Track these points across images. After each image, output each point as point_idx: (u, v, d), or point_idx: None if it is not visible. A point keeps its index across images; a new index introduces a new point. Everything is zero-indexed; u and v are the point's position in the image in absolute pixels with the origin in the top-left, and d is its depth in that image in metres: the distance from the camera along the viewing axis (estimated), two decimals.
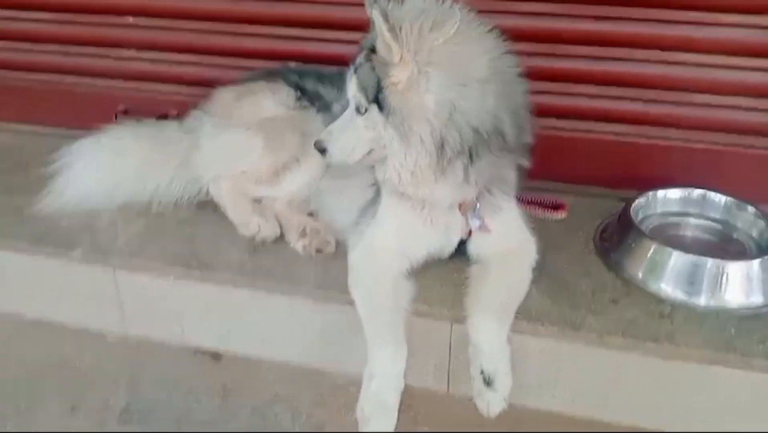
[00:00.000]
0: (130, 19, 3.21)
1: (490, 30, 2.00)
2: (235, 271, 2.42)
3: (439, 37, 1.91)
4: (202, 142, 2.73)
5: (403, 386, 2.03)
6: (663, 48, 2.60)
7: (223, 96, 2.79)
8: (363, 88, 2.01)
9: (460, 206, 2.17)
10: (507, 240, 2.25)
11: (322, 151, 2.16)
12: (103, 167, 2.76)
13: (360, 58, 2.03)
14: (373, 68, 1.97)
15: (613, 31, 2.63)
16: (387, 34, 1.87)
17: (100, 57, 3.31)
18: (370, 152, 2.09)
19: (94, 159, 2.78)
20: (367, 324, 2.12)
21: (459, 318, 2.16)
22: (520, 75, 2.04)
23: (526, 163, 2.17)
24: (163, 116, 3.21)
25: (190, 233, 2.64)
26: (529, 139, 2.12)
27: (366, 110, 2.03)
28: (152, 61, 3.27)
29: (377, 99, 1.97)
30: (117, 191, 2.76)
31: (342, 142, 2.12)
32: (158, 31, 3.20)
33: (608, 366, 2.13)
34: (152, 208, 2.75)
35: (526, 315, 2.15)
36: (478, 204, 2.15)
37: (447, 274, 2.34)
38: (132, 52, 3.28)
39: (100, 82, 3.36)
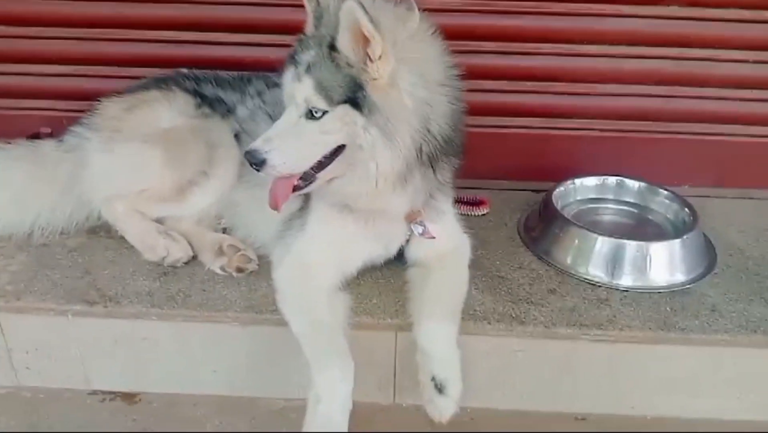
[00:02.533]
0: None
1: (436, 29, 1.93)
2: (144, 301, 2.16)
3: (403, 32, 1.83)
4: (91, 160, 2.43)
5: (351, 406, 1.87)
6: (569, 41, 2.67)
7: (111, 108, 2.50)
8: (324, 89, 1.82)
9: (407, 215, 2.07)
10: (445, 242, 2.17)
11: (260, 163, 1.88)
12: None
13: (310, 57, 1.84)
14: (339, 66, 1.81)
15: (521, 26, 2.67)
16: (369, 27, 1.72)
17: None
18: (320, 164, 1.91)
19: None
20: (306, 345, 1.94)
21: (404, 326, 2.07)
22: (461, 78, 1.98)
23: (460, 163, 2.12)
24: (35, 135, 2.84)
25: (85, 263, 2.34)
26: (464, 140, 2.07)
27: (323, 114, 1.84)
28: (17, 74, 2.89)
29: (352, 98, 1.81)
30: None
31: (289, 151, 1.88)
32: (19, 40, 2.83)
33: (556, 357, 2.12)
34: (34, 240, 2.43)
35: (471, 315, 2.10)
36: (422, 211, 2.07)
37: (384, 281, 2.25)
38: None
39: None
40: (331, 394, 1.84)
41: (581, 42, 2.66)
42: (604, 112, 2.78)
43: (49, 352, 2.21)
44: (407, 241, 2.16)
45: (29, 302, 2.16)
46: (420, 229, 2.08)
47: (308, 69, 1.83)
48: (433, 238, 2.09)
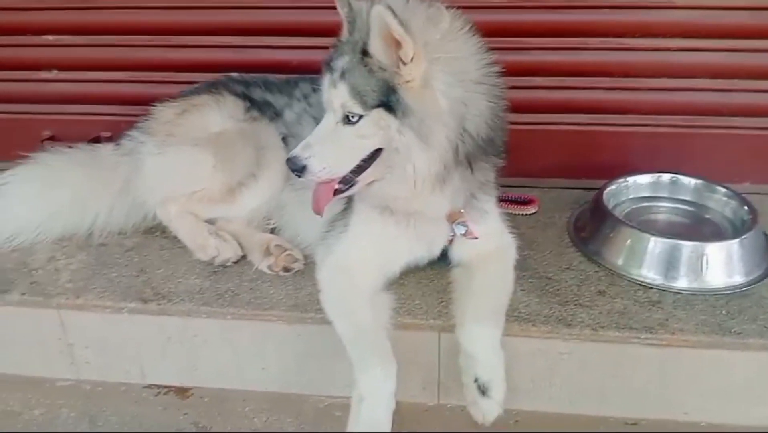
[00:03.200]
0: (50, 38, 2.96)
1: (471, 27, 1.92)
2: (196, 299, 2.22)
3: (436, 33, 1.83)
4: (145, 163, 2.52)
5: (394, 405, 1.87)
6: (618, 35, 2.60)
7: (164, 113, 2.59)
8: (358, 94, 1.83)
9: (448, 216, 2.06)
10: (489, 242, 2.15)
11: (300, 169, 1.90)
12: (35, 199, 2.51)
13: (344, 63, 1.85)
14: (372, 70, 1.82)
15: (568, 21, 2.62)
16: (400, 30, 1.73)
17: (18, 81, 3.04)
18: (359, 168, 1.92)
19: (24, 191, 2.53)
20: (349, 345, 1.96)
21: (446, 327, 2.06)
22: (500, 75, 1.95)
23: (503, 163, 2.09)
24: (96, 140, 3.00)
25: (140, 262, 2.43)
26: (506, 139, 2.05)
27: (359, 118, 1.85)
28: (77, 81, 3.04)
29: (386, 102, 1.82)
30: (52, 224, 2.53)
31: (328, 156, 1.89)
32: (81, 48, 2.98)
33: (604, 360, 2.06)
34: (94, 240, 2.53)
35: (515, 317, 2.07)
36: (463, 212, 2.05)
37: (427, 281, 2.24)
38: (54, 73, 3.03)
39: (21, 108, 3.09)
40: (375, 394, 1.85)
41: (632, 36, 2.59)
42: (657, 108, 2.69)
43: (107, 347, 2.31)
44: (450, 241, 2.15)
45: (88, 300, 2.26)
46: (462, 229, 2.06)
47: (342, 75, 1.85)
48: (476, 238, 2.07)
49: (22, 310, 2.28)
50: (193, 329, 2.23)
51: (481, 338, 1.92)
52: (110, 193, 2.55)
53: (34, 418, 2.22)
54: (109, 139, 2.92)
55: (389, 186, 1.96)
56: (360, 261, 2.10)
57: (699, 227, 2.48)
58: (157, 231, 2.57)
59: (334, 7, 2.62)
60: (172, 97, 2.64)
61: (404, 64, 1.78)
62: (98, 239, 2.53)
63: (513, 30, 2.60)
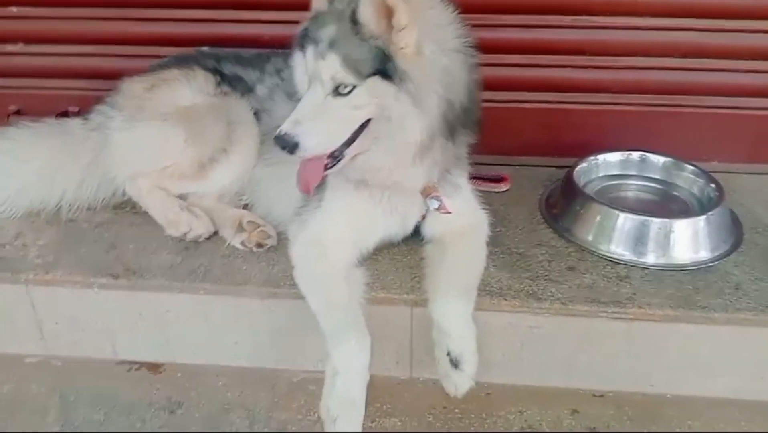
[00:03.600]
0: (14, 10, 2.87)
1: None
2: (167, 275, 2.21)
3: (420, 1, 1.84)
4: (114, 138, 2.48)
5: (368, 379, 1.90)
6: (590, 13, 2.60)
7: (133, 87, 2.54)
8: (352, 63, 1.79)
9: (423, 190, 2.06)
10: (462, 218, 2.16)
11: (293, 146, 1.83)
12: (2, 174, 2.46)
13: (332, 33, 1.81)
14: (364, 39, 1.79)
15: None
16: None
17: None
18: (347, 140, 1.90)
19: None
20: (323, 319, 1.97)
21: (419, 302, 2.07)
22: (474, 47, 1.96)
23: (476, 137, 2.10)
24: (63, 114, 2.92)
25: (110, 237, 2.40)
26: (480, 112, 2.06)
27: (352, 89, 1.82)
28: (43, 54, 2.96)
29: (382, 70, 1.79)
30: (20, 199, 2.49)
31: (320, 131, 1.85)
32: (48, 21, 2.89)
33: (573, 334, 2.09)
34: (63, 215, 2.49)
35: (487, 291, 2.09)
36: (437, 186, 2.06)
37: (400, 256, 2.25)
38: (19, 47, 2.95)
39: None
40: (349, 367, 1.87)
41: (605, 14, 2.59)
42: (628, 86, 2.71)
43: (77, 323, 2.28)
44: (423, 217, 2.16)
45: (57, 276, 2.23)
46: (435, 204, 2.07)
47: (332, 45, 1.80)
48: (449, 213, 2.08)
49: None
50: (165, 305, 2.22)
51: (453, 312, 1.95)
52: (79, 167, 2.51)
53: (2, 394, 2.20)
54: (77, 114, 2.86)
55: (374, 157, 1.95)
56: (334, 236, 2.10)
57: (667, 204, 2.52)
58: (127, 207, 2.54)
59: None
60: (141, 72, 2.59)
61: (397, 31, 1.77)
62: (67, 215, 2.49)
63: (485, 7, 2.58)
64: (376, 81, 1.81)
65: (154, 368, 2.29)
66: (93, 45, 2.91)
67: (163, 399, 2.17)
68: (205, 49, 2.66)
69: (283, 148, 1.84)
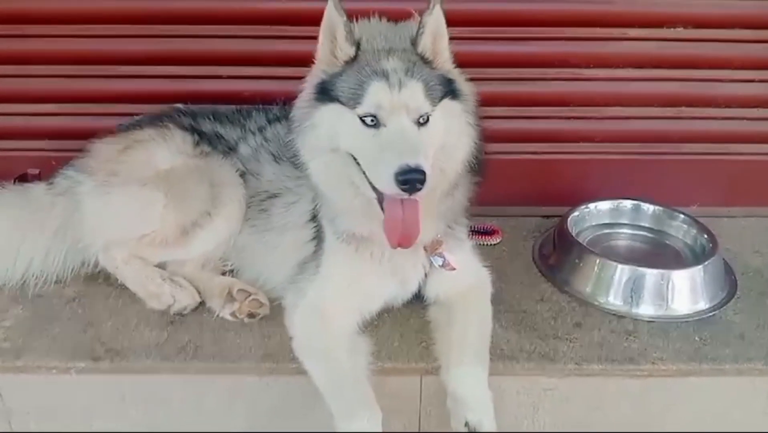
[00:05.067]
0: None
1: None
2: (154, 355, 2.04)
3: None
4: (86, 205, 2.32)
5: None
6: (573, 65, 2.63)
7: (105, 150, 2.39)
8: (429, 90, 1.79)
9: (429, 245, 2.00)
10: (464, 276, 2.10)
11: (422, 180, 1.67)
12: None
13: (401, 65, 1.79)
14: (427, 66, 1.84)
15: (524, 52, 2.64)
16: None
17: None
18: None
19: None
20: (328, 394, 1.85)
21: (429, 370, 1.99)
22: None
23: (478, 185, 2.08)
24: (23, 177, 2.73)
25: (86, 314, 2.22)
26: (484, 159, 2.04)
27: (428, 118, 1.80)
28: (1, 114, 2.75)
29: (449, 92, 1.86)
30: None
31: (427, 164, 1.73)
32: (5, 79, 2.70)
33: (587, 394, 2.05)
34: (29, 291, 2.29)
35: (498, 355, 2.02)
36: (442, 240, 2.01)
37: (403, 320, 2.17)
38: None
39: None
40: None
41: (587, 66, 2.63)
42: (611, 136, 2.75)
43: (52, 412, 2.08)
44: (425, 277, 2.09)
45: (29, 361, 2.03)
46: (440, 260, 2.00)
47: (409, 74, 1.79)
48: (454, 269, 2.02)
49: None
50: (152, 387, 2.05)
51: (469, 379, 1.87)
52: (45, 237, 2.34)
53: None
54: (38, 177, 2.69)
55: None
56: (335, 302, 2.01)
57: (660, 253, 2.53)
58: (99, 278, 2.36)
59: (289, 37, 2.57)
60: (111, 132, 2.44)
61: (442, 55, 1.88)
62: (33, 290, 2.29)
63: (471, 61, 2.55)
64: (446, 103, 1.86)
65: None
66: (57, 103, 2.74)
67: None
68: (180, 105, 2.54)
69: (408, 184, 1.67)
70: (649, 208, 2.61)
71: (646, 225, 2.61)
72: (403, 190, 1.68)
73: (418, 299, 2.15)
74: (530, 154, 2.78)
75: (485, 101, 2.60)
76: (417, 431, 2.10)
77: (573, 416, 2.07)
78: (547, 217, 2.74)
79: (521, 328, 2.15)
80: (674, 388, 2.04)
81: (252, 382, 2.03)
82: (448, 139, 1.87)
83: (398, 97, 1.77)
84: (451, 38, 2.53)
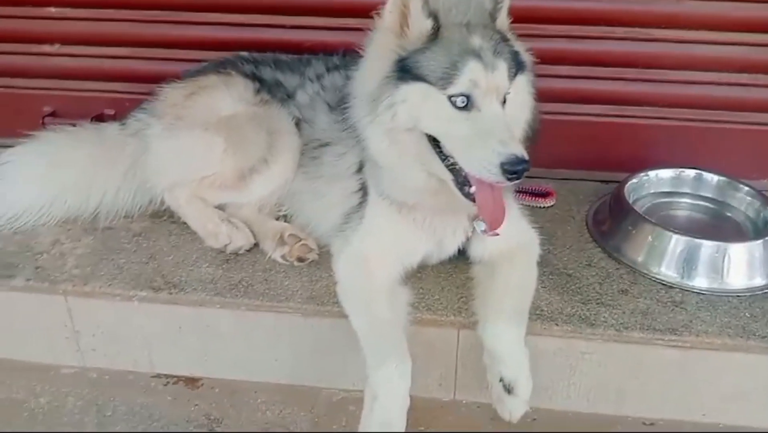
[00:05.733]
0: (52, 10, 2.84)
1: None
2: (208, 289, 2.16)
3: None
4: (153, 147, 2.45)
5: (408, 404, 1.83)
6: (643, 25, 2.53)
7: (172, 95, 2.50)
8: (508, 69, 1.79)
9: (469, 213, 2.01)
10: (511, 239, 2.09)
11: (525, 172, 1.70)
12: (38, 179, 2.43)
13: (488, 44, 1.76)
14: (504, 42, 1.83)
15: (593, 9, 2.55)
16: None
17: (18, 54, 2.92)
18: None
19: (27, 171, 2.45)
20: (364, 339, 1.91)
21: (466, 324, 2.02)
22: None
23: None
24: (99, 117, 2.90)
25: (149, 248, 2.37)
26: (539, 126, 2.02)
27: (506, 96, 1.80)
28: (80, 56, 2.92)
29: (519, 67, 1.86)
30: (56, 206, 2.45)
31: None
32: (84, 22, 2.85)
33: (625, 361, 2.03)
34: (99, 223, 2.46)
35: (538, 315, 2.03)
36: None
37: (447, 275, 2.20)
38: (56, 47, 2.91)
39: (21, 82, 2.98)
40: (389, 392, 1.81)
41: (657, 26, 2.52)
42: (680, 101, 2.64)
43: (114, 335, 2.25)
44: (468, 239, 2.10)
45: (96, 287, 2.19)
46: (483, 226, 2.00)
47: (497, 55, 1.77)
48: (497, 234, 2.01)
49: (27, 295, 2.21)
50: (205, 320, 2.18)
51: (506, 336, 1.88)
52: (116, 174, 2.48)
53: (39, 406, 2.17)
54: (113, 117, 2.85)
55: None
56: (377, 252, 2.06)
57: (720, 225, 2.44)
58: (164, 216, 2.51)
59: None
60: (179, 78, 2.55)
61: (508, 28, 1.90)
62: (104, 223, 2.46)
63: (537, 17, 2.52)
64: (521, 78, 1.88)
65: (191, 382, 2.25)
66: (130, 47, 2.88)
67: (202, 416, 2.13)
68: (243, 54, 2.61)
69: (516, 173, 1.68)
70: (712, 178, 2.51)
71: (708, 195, 2.52)
72: (509, 179, 1.69)
73: (463, 255, 2.17)
74: (592, 116, 2.71)
75: (548, 59, 2.59)
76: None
77: (609, 381, 2.07)
78: (606, 182, 2.68)
79: (564, 291, 2.15)
80: (717, 362, 1.99)
81: (297, 321, 2.12)
82: (514, 113, 1.86)
83: (492, 79, 1.75)
84: None
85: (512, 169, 1.67)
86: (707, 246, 2.17)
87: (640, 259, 2.25)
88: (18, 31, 2.87)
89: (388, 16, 1.83)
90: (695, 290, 2.14)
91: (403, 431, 1.80)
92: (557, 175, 2.77)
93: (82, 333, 2.25)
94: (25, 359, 2.30)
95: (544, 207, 2.57)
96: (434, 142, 1.82)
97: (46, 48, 2.90)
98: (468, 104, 1.75)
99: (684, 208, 2.53)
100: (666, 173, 2.55)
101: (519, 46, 1.91)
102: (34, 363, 2.29)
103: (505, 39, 1.85)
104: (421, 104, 1.79)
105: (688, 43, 2.54)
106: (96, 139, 2.54)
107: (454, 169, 1.81)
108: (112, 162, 2.48)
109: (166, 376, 2.27)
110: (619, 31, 2.55)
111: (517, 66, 1.84)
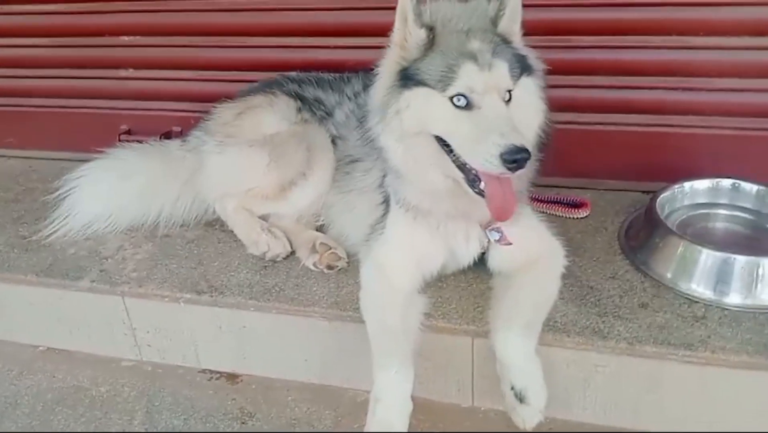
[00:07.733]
0: (125, 39, 3.17)
1: None
2: (245, 293, 2.34)
3: None
4: (206, 161, 2.68)
5: (411, 408, 1.91)
6: (680, 33, 2.47)
7: (223, 114, 2.73)
8: (511, 69, 1.87)
9: (481, 222, 2.07)
10: (529, 249, 2.12)
11: (526, 161, 1.75)
12: (109, 191, 2.72)
13: (485, 46, 1.85)
14: (506, 44, 1.91)
15: (627, 18, 2.53)
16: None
17: (98, 78, 3.28)
18: None
19: (99, 183, 2.74)
20: (373, 342, 2.02)
21: (480, 333, 2.07)
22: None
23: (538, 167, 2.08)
24: (167, 134, 3.18)
25: (199, 254, 2.59)
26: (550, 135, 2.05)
27: (510, 95, 1.88)
28: (150, 79, 3.24)
29: (524, 69, 1.92)
30: (123, 214, 2.73)
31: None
32: (154, 48, 3.17)
33: (640, 375, 2.01)
34: (159, 231, 2.72)
35: (550, 326, 2.05)
36: None
37: (467, 285, 2.26)
38: (130, 72, 3.24)
39: (101, 103, 3.33)
40: (389, 395, 1.90)
41: (695, 34, 2.46)
42: (720, 109, 2.55)
43: (165, 333, 2.48)
44: (485, 250, 2.15)
45: (149, 289, 2.43)
46: (497, 235, 2.05)
47: (495, 55, 1.85)
48: (510, 244, 2.06)
49: (92, 296, 2.48)
50: (242, 321, 2.36)
51: (515, 346, 1.91)
52: (176, 186, 2.73)
53: (99, 394, 2.42)
54: (180, 134, 3.12)
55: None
56: (395, 262, 2.15)
57: (759, 236, 2.34)
58: (216, 225, 2.73)
59: (386, 8, 2.69)
60: (230, 98, 2.77)
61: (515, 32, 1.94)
62: (163, 231, 2.71)
63: (573, 28, 2.53)
64: (524, 80, 1.92)
65: (232, 378, 2.45)
66: (193, 70, 3.15)
67: (237, 409, 2.31)
68: (291, 74, 2.79)
69: (516, 162, 1.74)
70: (751, 188, 2.40)
71: (747, 206, 2.42)
72: (509, 169, 1.75)
73: (484, 265, 2.21)
74: (632, 126, 2.67)
75: (585, 70, 2.60)
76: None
77: (624, 395, 2.05)
78: (646, 192, 2.61)
79: (582, 303, 2.14)
80: (736, 380, 1.93)
81: (322, 325, 2.26)
82: (524, 115, 1.91)
83: (489, 78, 1.82)
84: (550, 5, 2.54)
85: (511, 159, 1.72)
86: (738, 260, 2.09)
87: (668, 275, 2.19)
88: (96, 57, 3.23)
89: (396, 32, 1.96)
90: (725, 306, 2.07)
91: (405, 431, 1.88)
92: (598, 185, 2.75)
93: (138, 330, 2.50)
94: (91, 352, 2.59)
95: (576, 218, 2.56)
96: (444, 143, 1.91)
97: (122, 72, 3.24)
98: (468, 104, 1.83)
99: (721, 219, 2.44)
100: (702, 184, 2.47)
101: (527, 50, 1.96)
102: (99, 356, 2.57)
103: (507, 42, 1.90)
104: (424, 107, 1.89)
105: (726, 49, 2.46)
106: (160, 155, 2.81)
107: (464, 168, 1.89)
108: (172, 175, 2.73)
109: (211, 371, 2.47)
110: (656, 39, 2.51)
111: (522, 67, 1.91)
